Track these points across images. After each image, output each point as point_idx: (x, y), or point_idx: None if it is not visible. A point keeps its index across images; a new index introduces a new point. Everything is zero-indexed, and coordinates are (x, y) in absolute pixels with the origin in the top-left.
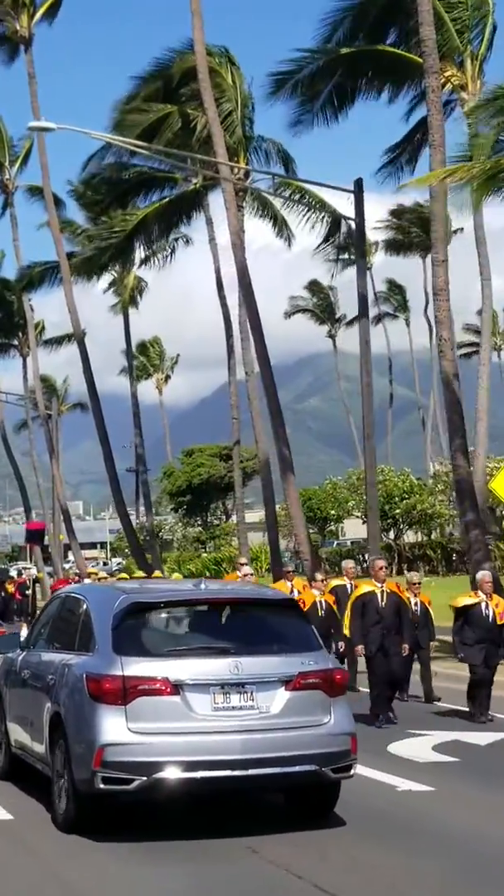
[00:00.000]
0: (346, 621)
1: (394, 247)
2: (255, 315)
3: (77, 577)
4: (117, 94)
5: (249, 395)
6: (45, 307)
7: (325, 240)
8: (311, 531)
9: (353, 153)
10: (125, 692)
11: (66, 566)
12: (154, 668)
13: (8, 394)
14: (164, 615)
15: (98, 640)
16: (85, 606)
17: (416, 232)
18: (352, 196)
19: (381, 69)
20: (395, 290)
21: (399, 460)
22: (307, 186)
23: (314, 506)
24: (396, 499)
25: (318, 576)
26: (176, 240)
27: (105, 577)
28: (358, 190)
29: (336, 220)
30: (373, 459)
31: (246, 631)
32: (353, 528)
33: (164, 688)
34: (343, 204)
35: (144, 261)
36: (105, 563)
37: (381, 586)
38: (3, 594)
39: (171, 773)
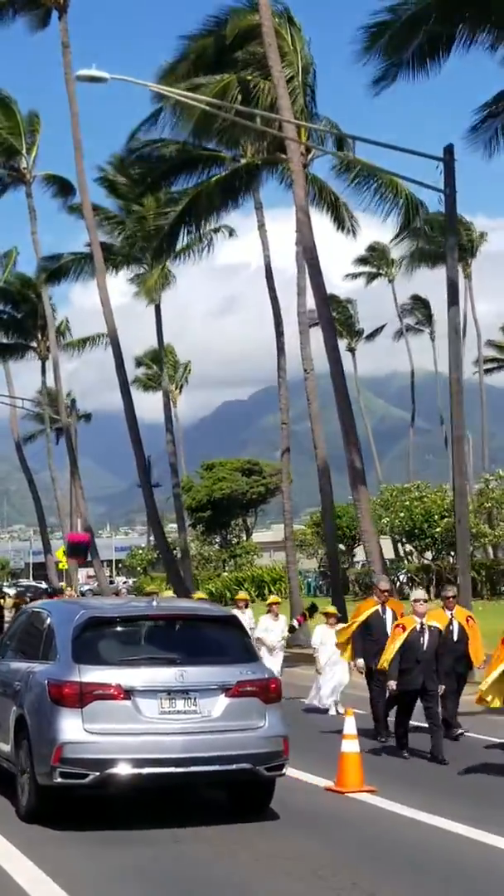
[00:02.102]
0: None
1: (421, 257)
2: (325, 303)
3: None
4: (161, 60)
5: (308, 396)
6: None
7: (403, 228)
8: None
9: (428, 128)
10: (82, 696)
11: (87, 586)
12: (108, 676)
13: (24, 400)
14: (118, 628)
15: (59, 650)
16: (49, 620)
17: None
18: (441, 165)
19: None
20: (420, 304)
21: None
22: (378, 168)
23: (343, 524)
24: (436, 517)
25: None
26: (215, 230)
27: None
28: (448, 157)
29: (412, 204)
30: (461, 465)
31: (191, 643)
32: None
33: (116, 693)
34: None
35: (178, 253)
36: (111, 582)
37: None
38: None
39: (122, 770)
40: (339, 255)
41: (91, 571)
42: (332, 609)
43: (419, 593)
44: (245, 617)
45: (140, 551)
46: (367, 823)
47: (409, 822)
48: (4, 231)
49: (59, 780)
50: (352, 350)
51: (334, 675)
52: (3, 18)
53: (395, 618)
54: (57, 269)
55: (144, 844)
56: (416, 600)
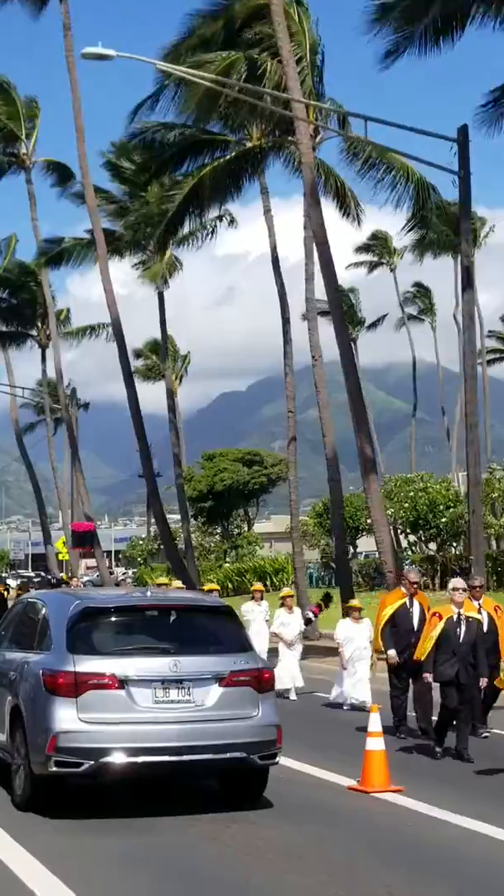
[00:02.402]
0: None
1: (429, 246)
2: (334, 287)
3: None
4: (166, 39)
5: (317, 384)
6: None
7: (414, 215)
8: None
9: (437, 112)
10: (77, 686)
11: (87, 577)
12: (103, 665)
13: (24, 389)
14: (113, 618)
15: (54, 640)
16: (44, 611)
17: (445, 231)
18: (454, 146)
19: None
20: (422, 291)
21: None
22: (390, 149)
23: (345, 514)
24: (441, 507)
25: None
26: (219, 218)
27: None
28: (462, 138)
29: (424, 188)
30: (476, 456)
31: (185, 633)
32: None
33: (111, 682)
34: (432, 172)
35: (182, 240)
36: (111, 573)
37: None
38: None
39: (116, 758)
40: (340, 244)
41: (91, 562)
42: (356, 603)
43: (458, 582)
44: (261, 609)
45: (140, 542)
46: (393, 822)
47: (436, 822)
48: (2, 219)
49: (54, 768)
50: (353, 340)
51: (357, 670)
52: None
53: (422, 612)
54: (57, 254)
55: (139, 833)
56: (454, 589)
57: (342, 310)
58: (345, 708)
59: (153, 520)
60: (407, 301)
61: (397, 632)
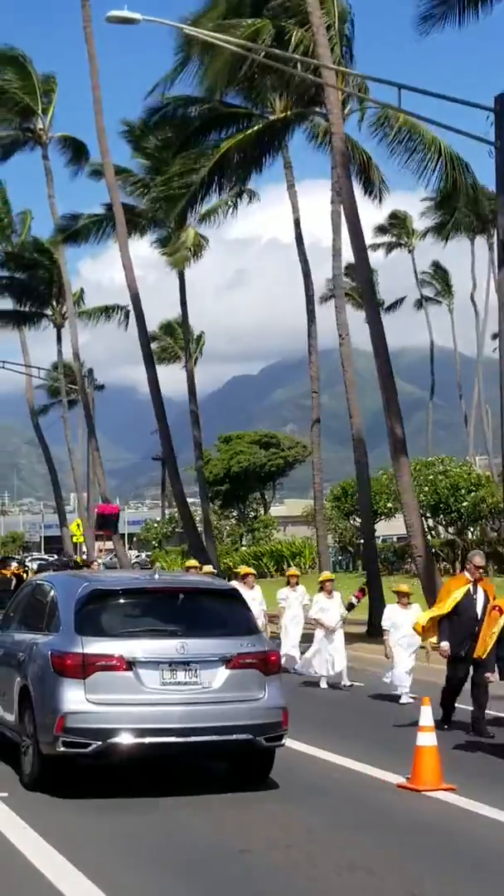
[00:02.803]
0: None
1: (439, 230)
2: (365, 261)
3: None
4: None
5: (343, 363)
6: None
7: (442, 192)
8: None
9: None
10: (85, 667)
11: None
12: (111, 647)
13: (40, 368)
14: (121, 601)
15: (62, 622)
16: (52, 592)
17: (465, 211)
18: (491, 115)
19: None
20: (440, 273)
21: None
22: (424, 118)
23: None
24: (463, 491)
25: None
26: (239, 194)
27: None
28: (500, 107)
29: (456, 165)
30: None
31: (192, 616)
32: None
33: (119, 664)
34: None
35: (203, 217)
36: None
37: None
38: None
39: (124, 739)
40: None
41: (107, 545)
42: (404, 587)
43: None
44: (297, 594)
45: (155, 525)
46: (442, 822)
47: (491, 822)
48: (17, 196)
49: (62, 749)
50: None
51: (403, 659)
52: None
53: (486, 600)
54: (75, 231)
55: (145, 812)
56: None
57: (373, 284)
58: (400, 696)
59: (167, 502)
60: (424, 283)
61: (459, 620)
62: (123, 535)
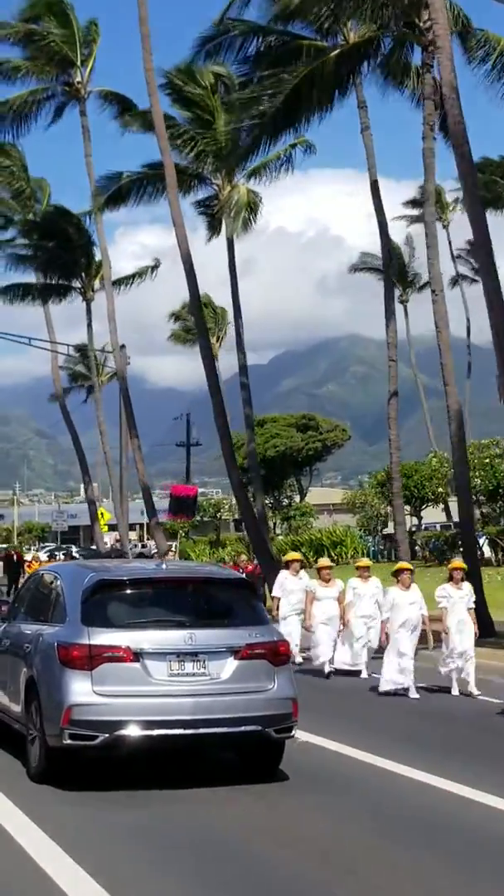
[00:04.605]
0: None
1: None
2: (474, 185)
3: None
4: None
5: (437, 324)
6: None
7: None
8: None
9: None
10: (91, 659)
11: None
12: (117, 638)
13: (69, 346)
14: (127, 591)
15: (68, 613)
16: (58, 583)
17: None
18: None
19: None
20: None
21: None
22: None
23: (411, 484)
24: None
25: None
26: (293, 146)
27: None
28: None
29: None
30: None
31: (200, 606)
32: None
33: (125, 655)
34: None
35: (254, 172)
36: (144, 546)
37: None
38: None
39: (131, 731)
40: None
41: (118, 535)
42: (458, 563)
43: None
44: (373, 586)
45: None
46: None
47: None
48: (49, 156)
49: (69, 741)
50: (404, 302)
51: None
52: None
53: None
54: (117, 192)
55: (150, 805)
56: None
57: (483, 206)
58: (454, 692)
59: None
60: (459, 261)
61: None
62: (141, 524)
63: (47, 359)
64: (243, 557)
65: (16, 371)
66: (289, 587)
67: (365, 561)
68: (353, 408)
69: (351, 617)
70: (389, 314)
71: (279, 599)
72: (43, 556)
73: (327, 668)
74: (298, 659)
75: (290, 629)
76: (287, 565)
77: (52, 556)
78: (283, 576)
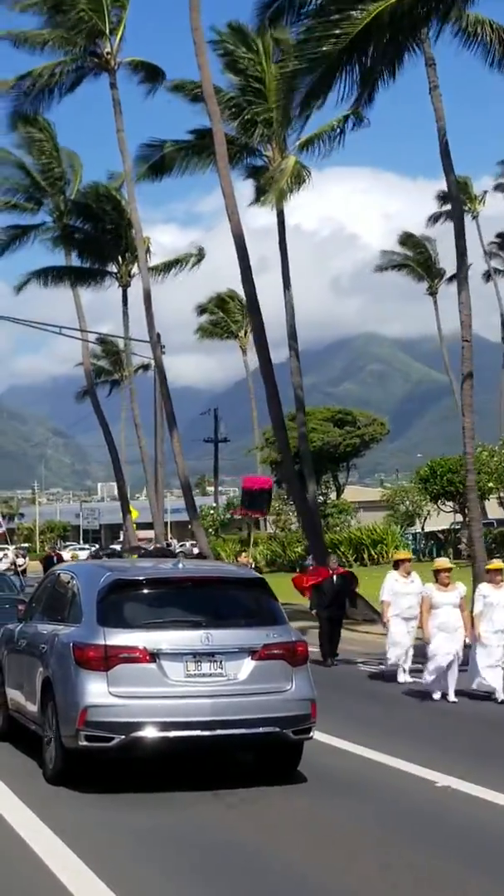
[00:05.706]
0: None
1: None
2: None
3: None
4: None
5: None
6: None
7: None
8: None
9: None
10: (107, 659)
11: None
12: (133, 639)
13: (100, 335)
14: (144, 591)
15: (84, 613)
16: (74, 582)
17: None
18: None
19: None
20: None
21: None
22: None
23: (455, 479)
24: None
25: None
26: (346, 117)
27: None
28: None
29: None
30: None
31: (217, 606)
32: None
33: (142, 656)
34: None
35: (306, 143)
36: (168, 545)
37: None
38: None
39: (148, 733)
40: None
41: (147, 533)
42: (498, 563)
43: None
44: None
45: (211, 511)
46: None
47: None
48: (73, 131)
49: (85, 743)
50: (433, 294)
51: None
52: None
53: None
54: (160, 161)
55: (165, 808)
56: None
57: None
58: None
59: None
60: (491, 255)
61: None
62: (166, 523)
63: (64, 359)
64: (309, 564)
65: (33, 371)
66: (399, 590)
67: (497, 563)
68: (370, 406)
69: (483, 630)
70: (462, 285)
71: (389, 605)
72: (82, 556)
73: (402, 678)
74: (408, 678)
75: (397, 639)
76: (396, 565)
77: (96, 557)
78: (393, 577)
